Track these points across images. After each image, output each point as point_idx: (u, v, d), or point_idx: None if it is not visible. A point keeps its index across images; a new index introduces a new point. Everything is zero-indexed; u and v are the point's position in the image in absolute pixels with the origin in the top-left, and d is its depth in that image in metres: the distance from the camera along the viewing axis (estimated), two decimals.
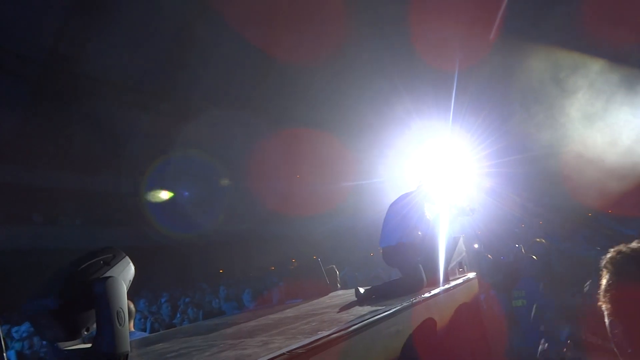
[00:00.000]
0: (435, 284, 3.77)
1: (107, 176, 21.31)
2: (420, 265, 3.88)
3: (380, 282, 5.21)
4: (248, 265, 22.08)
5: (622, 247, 1.17)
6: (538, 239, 8.66)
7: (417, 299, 3.12)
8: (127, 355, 1.32)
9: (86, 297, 1.35)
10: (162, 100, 22.01)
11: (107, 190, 21.08)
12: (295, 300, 4.67)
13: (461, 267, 4.58)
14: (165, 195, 22.67)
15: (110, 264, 1.42)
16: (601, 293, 1.18)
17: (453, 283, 3.93)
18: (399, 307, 2.81)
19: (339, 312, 3.08)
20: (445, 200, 4.32)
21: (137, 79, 20.89)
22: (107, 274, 1.39)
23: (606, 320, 1.16)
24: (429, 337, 3.04)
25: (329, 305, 3.66)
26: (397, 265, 4.10)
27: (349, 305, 3.34)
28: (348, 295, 4.13)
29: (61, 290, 1.35)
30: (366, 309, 2.97)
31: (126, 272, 1.46)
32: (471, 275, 4.47)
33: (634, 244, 1.16)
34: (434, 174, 4.60)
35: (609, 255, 1.19)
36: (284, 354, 1.82)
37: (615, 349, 1.14)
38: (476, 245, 9.11)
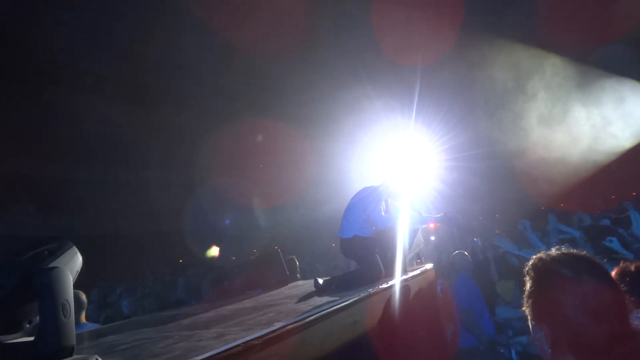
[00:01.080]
0: (393, 275, 3.82)
1: (62, 163, 20.54)
2: (378, 257, 3.92)
3: (340, 272, 5.24)
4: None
5: (542, 255, 1.21)
6: (498, 232, 8.84)
7: (374, 290, 3.15)
8: (72, 348, 1.26)
9: (29, 288, 1.29)
10: (119, 85, 21.39)
11: (62, 177, 20.31)
12: (254, 291, 4.64)
13: (419, 259, 4.66)
14: (121, 182, 22.05)
15: (55, 253, 1.35)
16: (524, 299, 1.20)
17: (410, 274, 3.99)
18: (356, 298, 2.83)
19: (297, 302, 3.08)
20: (408, 195, 4.33)
21: (93, 63, 20.22)
22: (52, 265, 1.32)
23: (529, 324, 1.20)
24: (385, 328, 3.07)
25: (287, 295, 3.66)
26: (352, 257, 4.13)
27: (308, 296, 3.35)
28: (307, 285, 4.14)
29: (3, 280, 1.28)
30: (324, 299, 2.98)
31: (73, 262, 1.40)
32: (428, 266, 4.55)
33: (553, 252, 1.20)
34: (398, 169, 4.60)
35: (530, 262, 1.22)
36: (239, 345, 1.79)
37: (538, 351, 1.17)
38: (433, 238, 9.29)
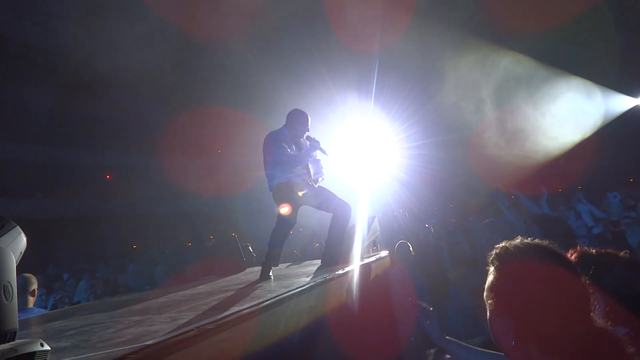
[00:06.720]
0: (349, 262, 3.86)
1: (8, 144, 19.58)
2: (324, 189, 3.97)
3: (295, 259, 5.26)
4: (164, 242, 21.44)
5: (506, 244, 1.18)
6: (454, 220, 9.01)
7: (331, 276, 3.17)
8: (15, 333, 1.21)
9: None
10: (66, 69, 20.58)
11: (9, 159, 19.36)
12: (209, 277, 4.60)
13: (375, 246, 4.73)
14: (73, 165, 21.27)
15: None
16: (487, 290, 1.18)
17: (366, 261, 4.05)
18: (312, 284, 2.84)
19: (252, 288, 3.07)
20: (309, 129, 4.25)
21: (35, 42, 19.37)
22: None
23: (488, 315, 1.17)
24: (341, 313, 3.11)
25: (243, 281, 3.64)
26: (283, 203, 4.05)
27: (264, 282, 3.35)
28: None
29: None
30: (280, 284, 2.98)
31: (16, 243, 1.33)
32: (383, 253, 4.63)
33: (518, 241, 1.17)
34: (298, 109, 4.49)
35: (494, 252, 1.19)
36: (192, 329, 1.76)
37: (496, 344, 1.16)
38: (395, 226, 9.44)
